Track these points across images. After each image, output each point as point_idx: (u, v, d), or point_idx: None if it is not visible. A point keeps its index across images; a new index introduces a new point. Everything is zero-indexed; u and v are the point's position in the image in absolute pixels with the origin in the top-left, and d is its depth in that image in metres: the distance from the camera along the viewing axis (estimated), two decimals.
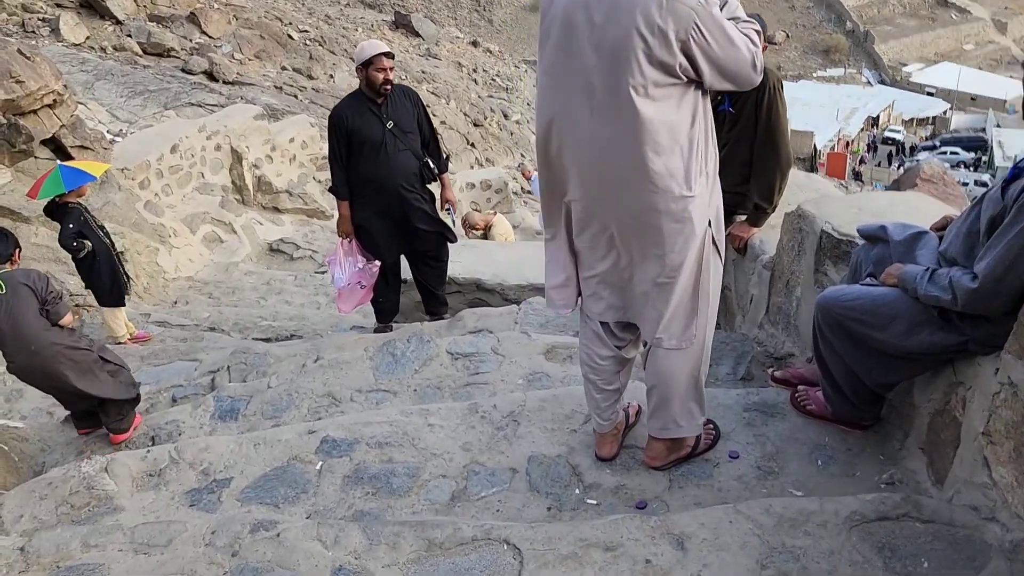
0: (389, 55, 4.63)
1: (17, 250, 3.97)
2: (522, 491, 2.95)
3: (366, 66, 4.57)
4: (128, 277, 6.53)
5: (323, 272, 10.67)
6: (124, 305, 6.56)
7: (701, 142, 2.37)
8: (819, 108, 51.26)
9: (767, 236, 3.93)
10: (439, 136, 5.06)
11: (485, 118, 22.93)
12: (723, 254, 2.62)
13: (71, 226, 6.01)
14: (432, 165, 4.87)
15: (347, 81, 18.36)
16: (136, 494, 3.21)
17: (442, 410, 3.43)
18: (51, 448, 4.21)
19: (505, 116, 27.20)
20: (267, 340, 7.20)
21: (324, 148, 14.04)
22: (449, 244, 5.12)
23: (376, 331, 5.23)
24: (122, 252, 7.40)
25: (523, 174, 14.29)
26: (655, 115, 2.24)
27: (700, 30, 2.16)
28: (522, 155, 23.91)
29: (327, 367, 4.07)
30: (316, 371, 4.06)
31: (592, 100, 2.30)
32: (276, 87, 15.83)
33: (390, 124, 4.67)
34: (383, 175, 4.67)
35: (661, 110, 2.25)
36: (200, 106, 13.48)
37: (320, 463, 3.22)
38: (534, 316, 4.68)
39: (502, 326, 4.64)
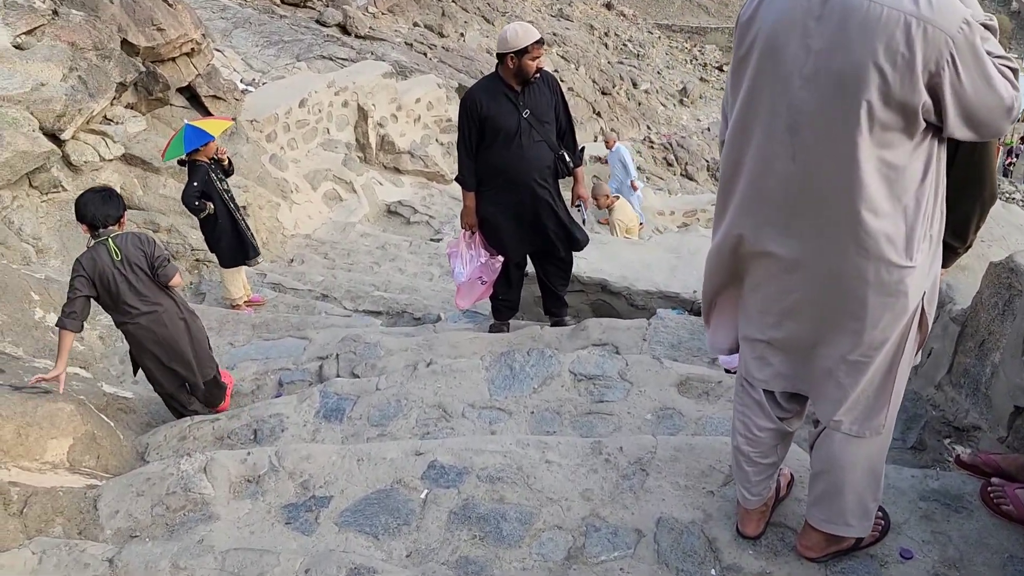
0: (541, 42, 4.25)
1: (124, 212, 3.87)
2: (648, 561, 2.58)
3: (520, 54, 4.19)
4: (255, 244, 6.43)
5: (438, 240, 10.49)
6: (245, 265, 6.49)
7: (930, 201, 1.90)
8: None
9: (956, 279, 3.38)
10: (575, 126, 4.63)
11: (614, 86, 22.24)
12: (929, 327, 2.15)
13: (195, 184, 5.94)
14: (568, 158, 4.48)
15: (477, 41, 18.06)
16: (232, 501, 3.02)
17: (562, 445, 3.09)
18: (155, 424, 4.12)
19: (634, 84, 26.39)
20: (377, 313, 7.06)
21: (450, 110, 13.85)
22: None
23: (492, 329, 4.93)
24: (244, 207, 7.37)
25: (606, 143, 13.29)
26: (880, 167, 1.79)
27: (955, 63, 1.68)
28: (648, 127, 23.15)
29: (439, 373, 3.79)
30: (428, 376, 3.79)
31: (796, 142, 1.87)
32: (407, 43, 15.67)
33: (526, 113, 4.30)
34: (515, 167, 4.32)
35: (888, 161, 1.79)
36: (331, 59, 13.45)
37: (425, 492, 2.95)
38: (664, 334, 4.26)
39: (629, 342, 4.25)
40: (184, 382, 4.04)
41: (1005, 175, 41.04)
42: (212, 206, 6.02)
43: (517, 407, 3.56)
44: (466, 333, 4.74)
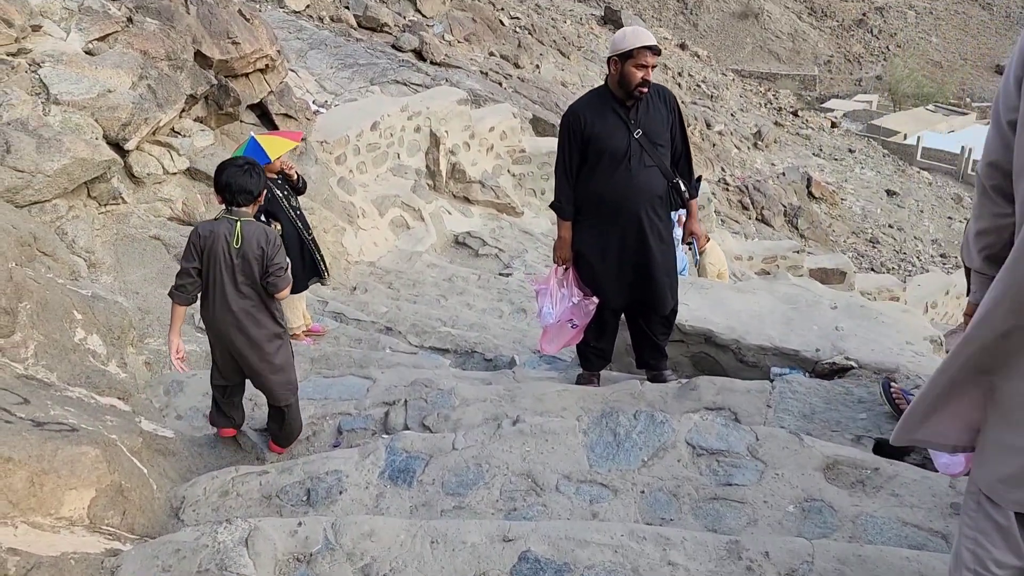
0: (655, 50, 3.67)
1: (263, 193, 3.53)
2: None
3: (624, 58, 3.63)
4: (325, 266, 5.97)
5: (507, 275, 9.95)
6: (311, 285, 6.01)
7: None
8: None
9: None
10: (692, 151, 4.03)
11: (688, 125, 21.62)
12: None
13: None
14: (683, 188, 3.88)
15: (552, 73, 17.67)
16: None
17: (688, 542, 2.45)
18: (198, 470, 3.59)
19: (708, 125, 25.79)
20: (444, 351, 6.50)
21: (523, 141, 13.41)
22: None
23: (579, 380, 4.30)
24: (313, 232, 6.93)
25: None
26: None
27: None
28: (722, 169, 22.44)
29: (528, 435, 3.18)
30: (514, 437, 3.18)
31: None
32: (482, 72, 15.33)
33: (638, 133, 3.72)
34: (622, 195, 3.73)
35: None
36: (405, 84, 13.15)
37: None
38: (793, 401, 3.59)
39: (750, 408, 3.59)
40: (243, 379, 3.72)
41: None
42: (280, 226, 5.57)
43: (623, 483, 2.93)
44: (551, 384, 4.12)
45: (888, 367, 4.12)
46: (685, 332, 4.56)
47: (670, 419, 3.14)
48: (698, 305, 4.76)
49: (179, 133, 7.19)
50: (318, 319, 6.46)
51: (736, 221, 17.45)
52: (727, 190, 18.42)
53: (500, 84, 15.26)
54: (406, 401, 3.92)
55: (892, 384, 3.35)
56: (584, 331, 4.10)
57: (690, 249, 4.12)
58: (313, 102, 11.86)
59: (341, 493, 3.08)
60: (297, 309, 5.92)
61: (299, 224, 5.70)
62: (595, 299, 3.97)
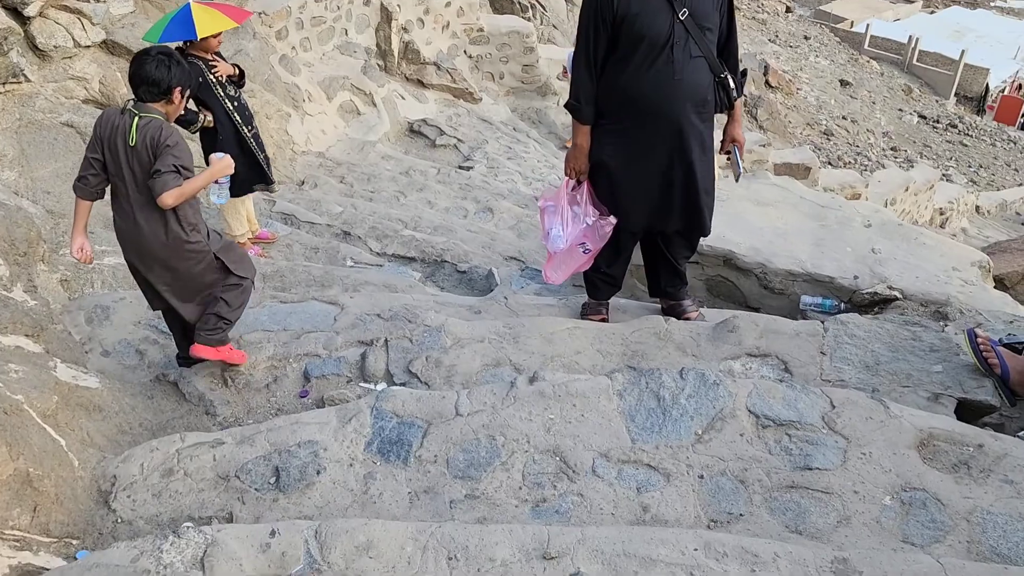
0: None
1: (179, 89, 2.96)
2: None
3: None
4: (269, 168, 5.15)
5: (467, 168, 9.16)
6: (253, 192, 5.19)
7: None
8: (996, 43, 45.59)
9: None
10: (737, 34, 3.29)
11: None
12: None
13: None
14: (732, 84, 3.17)
15: None
16: None
17: (782, 559, 1.91)
18: (134, 429, 2.91)
19: None
20: (410, 260, 5.81)
21: (480, 19, 12.29)
22: None
23: (586, 311, 3.67)
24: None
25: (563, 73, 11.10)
26: None
27: None
28: None
29: (550, 397, 2.57)
30: (532, 400, 2.57)
31: None
32: None
33: (684, 13, 2.96)
34: (661, 93, 3.01)
35: None
36: None
37: None
38: (851, 347, 3.04)
39: (801, 356, 3.03)
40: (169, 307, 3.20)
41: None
42: (208, 117, 4.71)
43: (676, 465, 2.36)
44: (558, 320, 3.48)
45: (937, 298, 3.60)
46: (702, 253, 3.96)
47: (724, 379, 2.56)
48: (716, 222, 4.13)
49: None
50: (266, 224, 5.66)
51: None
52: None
53: None
54: (387, 341, 3.26)
55: (978, 333, 2.83)
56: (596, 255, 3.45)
57: (729, 159, 3.44)
58: None
59: (319, 473, 2.45)
60: (239, 215, 5.11)
61: (237, 117, 4.82)
62: (612, 219, 3.30)
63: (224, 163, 3.13)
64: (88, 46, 5.75)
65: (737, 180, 3.38)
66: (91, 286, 4.15)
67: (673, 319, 3.41)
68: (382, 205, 7.35)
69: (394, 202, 7.58)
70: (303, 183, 7.57)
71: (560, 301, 3.90)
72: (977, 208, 19.08)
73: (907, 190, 15.41)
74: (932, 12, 48.49)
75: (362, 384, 3.14)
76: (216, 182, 3.15)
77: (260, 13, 8.58)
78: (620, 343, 3.22)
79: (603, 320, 3.64)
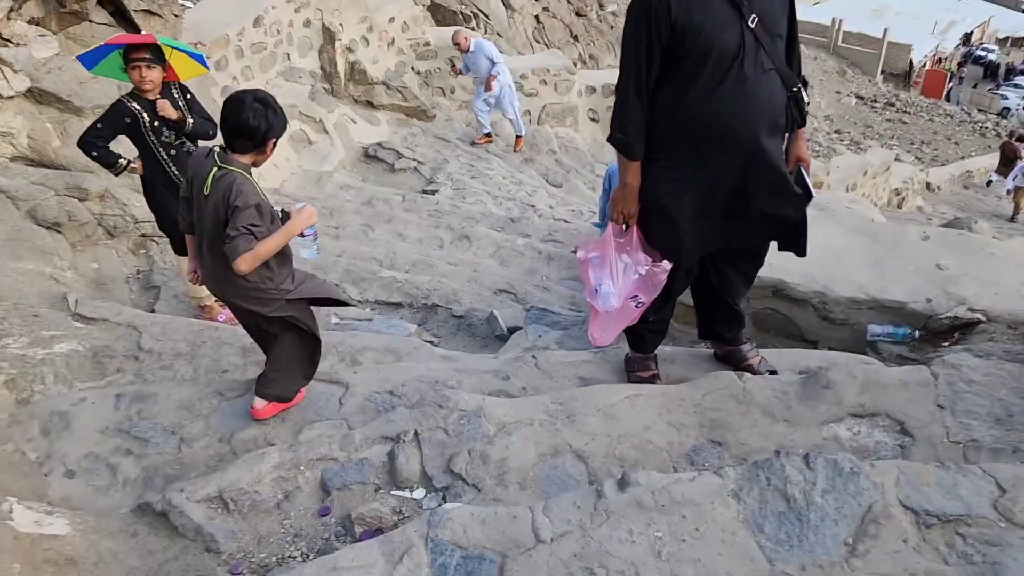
0: None
1: (274, 140, 2.82)
2: None
3: None
4: None
5: (432, 192, 8.61)
6: None
7: None
8: (914, 19, 46.64)
9: None
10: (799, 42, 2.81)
11: (587, 6, 20.14)
12: None
13: (98, 126, 4.03)
14: (804, 98, 2.69)
15: None
16: None
17: None
18: None
19: (600, 5, 24.29)
20: (396, 305, 5.27)
21: (426, 31, 11.74)
22: None
23: (633, 368, 3.15)
24: None
25: (458, 45, 9.84)
26: None
27: None
28: None
29: (651, 509, 2.06)
30: (630, 514, 2.06)
31: None
32: None
33: (753, 20, 2.49)
34: (733, 116, 2.51)
35: None
36: None
37: None
38: (972, 397, 2.59)
39: (918, 412, 2.58)
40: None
41: (947, 99, 40.40)
42: (134, 163, 4.14)
43: None
44: (611, 389, 2.96)
45: None
46: None
47: (862, 466, 2.08)
48: None
49: (10, 41, 5.40)
50: None
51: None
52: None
53: None
54: (417, 434, 2.71)
55: None
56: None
57: (801, 180, 2.96)
58: None
59: None
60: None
61: (174, 169, 4.19)
62: (667, 265, 2.81)
63: (304, 216, 2.89)
64: (11, 96, 5.07)
65: (808, 203, 2.91)
66: (41, 382, 3.52)
67: (747, 375, 2.93)
68: (351, 242, 6.77)
69: (363, 237, 7.00)
70: None
71: (596, 355, 3.40)
72: (928, 185, 19.16)
73: (865, 174, 15.31)
74: None
75: (395, 492, 2.60)
76: (301, 234, 2.92)
77: (196, 43, 7.91)
78: (694, 411, 2.73)
79: (654, 377, 3.15)
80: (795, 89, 2.65)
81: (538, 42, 17.04)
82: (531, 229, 7.55)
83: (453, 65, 10.36)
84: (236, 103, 2.71)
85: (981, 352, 2.97)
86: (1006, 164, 17.88)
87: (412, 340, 4.00)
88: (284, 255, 2.97)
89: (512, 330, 4.57)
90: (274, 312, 2.99)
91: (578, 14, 19.28)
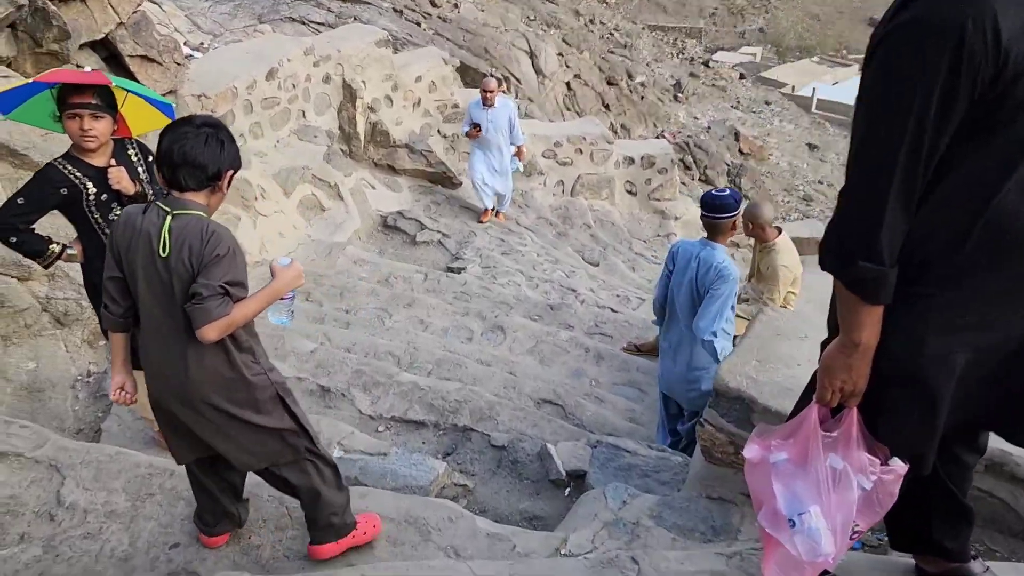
0: None
1: (230, 174, 2.28)
2: None
3: None
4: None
5: (459, 269, 7.54)
6: None
7: None
8: None
9: None
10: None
11: (618, 76, 19.46)
12: None
13: (19, 201, 2.94)
14: None
15: (473, 14, 15.05)
16: None
17: None
18: None
19: (630, 76, 23.73)
20: (418, 425, 4.14)
21: (455, 93, 10.81)
22: None
23: None
24: None
25: (485, 96, 8.33)
26: None
27: None
28: (654, 124, 20.47)
29: None
30: None
31: None
32: (395, 10, 12.59)
33: None
34: None
35: None
36: (303, 22, 10.38)
37: None
38: None
39: None
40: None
41: None
42: (71, 248, 3.09)
43: None
44: None
45: None
46: None
47: None
48: None
49: None
50: None
51: (683, 183, 15.48)
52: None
53: (418, 24, 12.59)
54: None
55: None
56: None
57: None
58: (185, 43, 8.99)
59: None
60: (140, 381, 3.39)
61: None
62: (900, 466, 1.68)
63: (291, 275, 2.35)
64: None
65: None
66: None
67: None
68: (363, 331, 5.68)
69: (378, 325, 5.90)
70: None
71: (731, 562, 2.23)
72: None
73: None
74: None
75: None
76: (281, 299, 2.38)
77: (200, 95, 6.99)
78: None
79: None
80: None
81: (568, 109, 16.27)
82: (574, 319, 6.44)
83: (476, 125, 8.45)
84: (180, 127, 2.21)
85: None
86: None
87: (443, 505, 2.84)
88: (254, 332, 2.40)
89: (572, 474, 3.42)
90: (271, 418, 2.37)
91: (609, 83, 18.58)
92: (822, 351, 1.92)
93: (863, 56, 1.55)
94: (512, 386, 4.95)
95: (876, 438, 1.70)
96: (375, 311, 6.18)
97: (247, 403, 2.32)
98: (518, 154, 8.80)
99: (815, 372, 1.99)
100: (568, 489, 3.42)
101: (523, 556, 2.53)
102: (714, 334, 3.74)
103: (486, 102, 8.33)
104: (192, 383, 2.25)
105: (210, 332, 2.11)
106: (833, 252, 1.57)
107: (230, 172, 2.27)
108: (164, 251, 2.14)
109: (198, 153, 2.17)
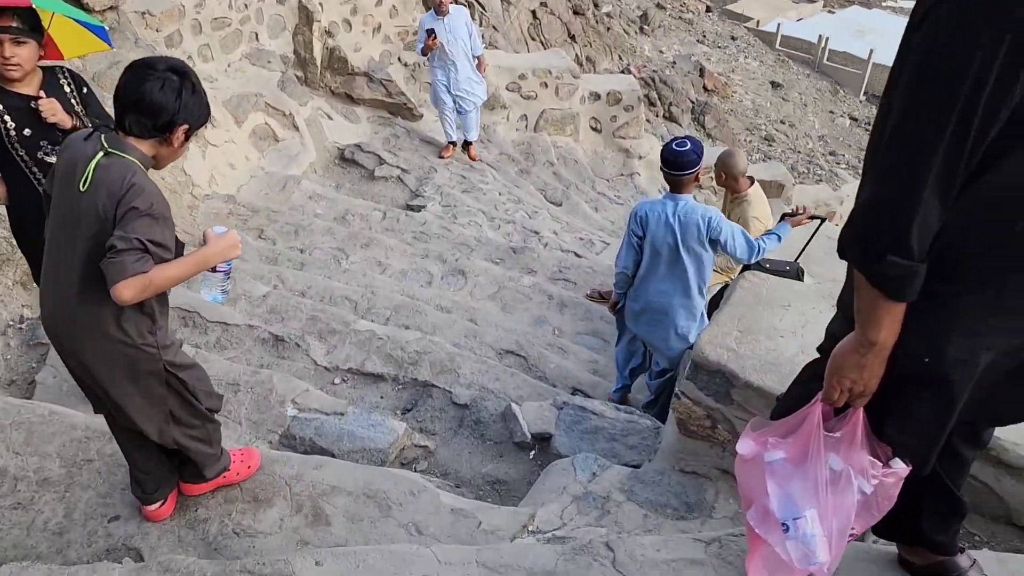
0: None
1: (184, 128, 2.09)
2: None
3: None
4: None
5: (419, 207, 7.28)
6: None
7: None
8: (895, 41, 46.34)
9: None
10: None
11: (584, 5, 18.92)
12: None
13: None
14: None
15: None
16: None
17: None
18: None
19: (596, 5, 23.12)
20: (376, 377, 3.97)
21: (416, 16, 10.32)
22: None
23: None
24: None
25: (438, 6, 7.69)
26: None
27: None
28: (620, 57, 20.04)
29: None
30: None
31: None
32: None
33: None
34: None
35: None
36: None
37: None
38: None
39: None
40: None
41: None
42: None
43: None
44: None
45: None
46: None
47: None
48: None
49: None
50: None
51: (648, 121, 15.22)
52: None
53: None
54: None
55: None
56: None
57: None
58: None
59: None
60: None
61: (41, 183, 2.87)
62: (902, 467, 1.56)
63: (226, 243, 2.16)
64: None
65: None
66: None
67: None
68: (318, 273, 5.45)
69: (334, 267, 5.67)
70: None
71: (709, 550, 2.12)
72: None
73: None
74: (832, 12, 48.89)
75: None
76: (213, 269, 2.18)
77: (144, 12, 6.53)
78: None
79: None
80: None
81: (534, 39, 15.79)
82: (536, 264, 6.28)
83: (430, 34, 7.66)
84: (140, 68, 2.05)
85: None
86: None
87: (405, 477, 2.68)
88: (166, 304, 2.24)
89: (538, 436, 3.30)
90: (144, 399, 2.20)
91: (576, 12, 18.05)
92: (826, 335, 1.78)
93: None
94: (473, 335, 4.80)
95: (880, 438, 1.58)
96: (331, 251, 5.94)
97: (124, 367, 2.15)
98: (479, 67, 8.31)
99: (811, 361, 1.86)
100: (533, 452, 3.31)
101: (489, 534, 2.40)
102: (760, 248, 3.67)
103: (440, 11, 7.80)
104: (77, 323, 2.11)
105: (124, 291, 1.92)
106: (858, 243, 1.40)
107: (184, 126, 2.08)
108: (84, 185, 2.02)
109: (150, 100, 2.02)
